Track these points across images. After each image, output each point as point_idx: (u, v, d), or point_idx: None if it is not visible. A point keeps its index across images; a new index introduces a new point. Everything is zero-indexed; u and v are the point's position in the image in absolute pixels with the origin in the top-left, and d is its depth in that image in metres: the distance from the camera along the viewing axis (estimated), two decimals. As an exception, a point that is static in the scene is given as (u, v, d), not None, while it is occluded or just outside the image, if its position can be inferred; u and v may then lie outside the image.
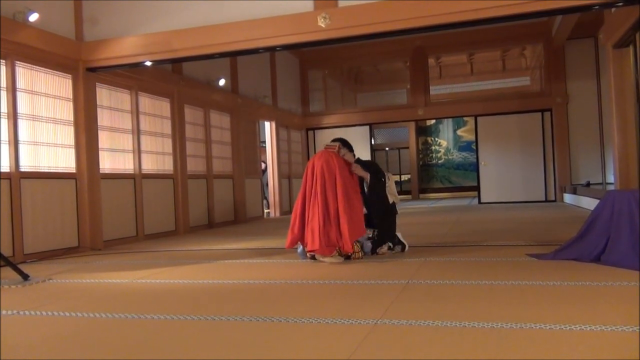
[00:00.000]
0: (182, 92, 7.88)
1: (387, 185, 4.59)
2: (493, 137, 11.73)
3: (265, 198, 10.94)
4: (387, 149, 18.93)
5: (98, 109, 6.26)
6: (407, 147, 18.33)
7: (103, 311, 2.85)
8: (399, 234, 4.65)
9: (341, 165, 4.41)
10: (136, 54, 5.81)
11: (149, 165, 7.21)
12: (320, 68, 13.06)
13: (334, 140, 4.75)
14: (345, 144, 4.71)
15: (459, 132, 18.72)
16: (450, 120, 18.29)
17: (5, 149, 5.12)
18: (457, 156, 18.73)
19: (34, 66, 5.47)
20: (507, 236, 5.55)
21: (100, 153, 6.24)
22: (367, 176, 4.58)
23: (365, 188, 4.64)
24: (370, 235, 4.49)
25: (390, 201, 4.59)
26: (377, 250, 4.48)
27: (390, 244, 4.55)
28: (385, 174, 4.66)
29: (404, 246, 4.64)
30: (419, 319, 2.39)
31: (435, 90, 14.28)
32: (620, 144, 6.59)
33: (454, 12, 4.79)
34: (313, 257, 4.33)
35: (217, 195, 8.72)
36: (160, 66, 7.22)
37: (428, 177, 18.91)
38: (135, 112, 6.96)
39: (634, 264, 3.36)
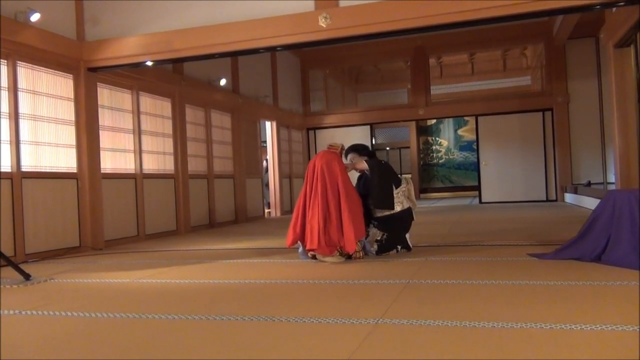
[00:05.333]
0: (183, 92, 7.89)
1: (403, 189, 4.58)
2: (494, 137, 11.73)
3: (265, 198, 10.92)
4: (387, 148, 18.92)
5: (99, 108, 6.26)
6: (408, 147, 18.32)
7: (104, 311, 2.86)
8: (407, 235, 4.65)
9: (342, 167, 4.42)
10: (137, 54, 5.81)
11: (150, 165, 7.22)
12: (321, 68, 13.06)
13: (352, 148, 4.79)
14: (357, 149, 4.78)
15: (459, 131, 18.71)
16: (451, 119, 18.28)
17: (7, 149, 5.12)
18: (457, 156, 18.72)
19: (35, 66, 5.48)
20: (507, 236, 5.55)
21: (102, 153, 6.24)
22: (364, 166, 4.60)
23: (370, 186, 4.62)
24: (379, 238, 4.48)
25: (406, 206, 4.59)
26: (383, 254, 4.48)
27: (398, 247, 4.56)
28: (402, 179, 4.65)
29: (409, 248, 4.64)
30: (420, 318, 2.39)
31: (436, 89, 14.27)
32: (621, 144, 6.59)
33: (454, 12, 4.79)
34: (314, 257, 4.33)
35: (218, 195, 8.72)
36: (161, 66, 7.23)
37: (429, 176, 18.90)
38: (137, 112, 6.96)
39: (634, 263, 3.36)
